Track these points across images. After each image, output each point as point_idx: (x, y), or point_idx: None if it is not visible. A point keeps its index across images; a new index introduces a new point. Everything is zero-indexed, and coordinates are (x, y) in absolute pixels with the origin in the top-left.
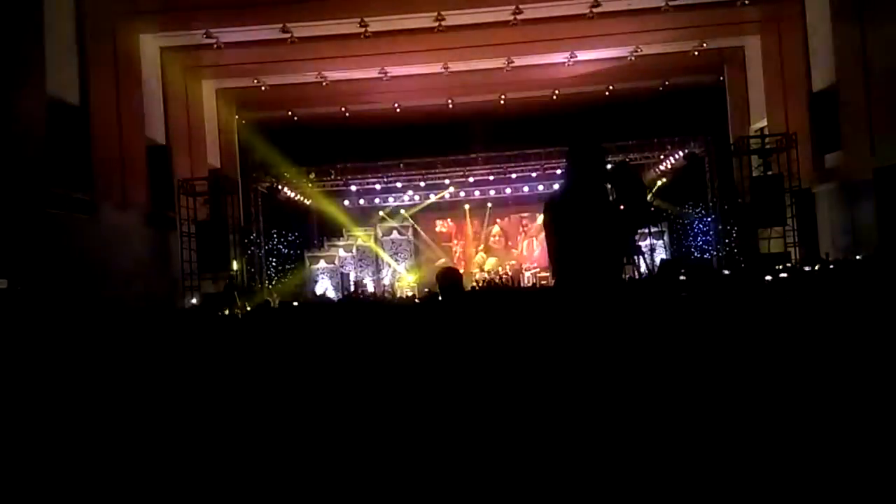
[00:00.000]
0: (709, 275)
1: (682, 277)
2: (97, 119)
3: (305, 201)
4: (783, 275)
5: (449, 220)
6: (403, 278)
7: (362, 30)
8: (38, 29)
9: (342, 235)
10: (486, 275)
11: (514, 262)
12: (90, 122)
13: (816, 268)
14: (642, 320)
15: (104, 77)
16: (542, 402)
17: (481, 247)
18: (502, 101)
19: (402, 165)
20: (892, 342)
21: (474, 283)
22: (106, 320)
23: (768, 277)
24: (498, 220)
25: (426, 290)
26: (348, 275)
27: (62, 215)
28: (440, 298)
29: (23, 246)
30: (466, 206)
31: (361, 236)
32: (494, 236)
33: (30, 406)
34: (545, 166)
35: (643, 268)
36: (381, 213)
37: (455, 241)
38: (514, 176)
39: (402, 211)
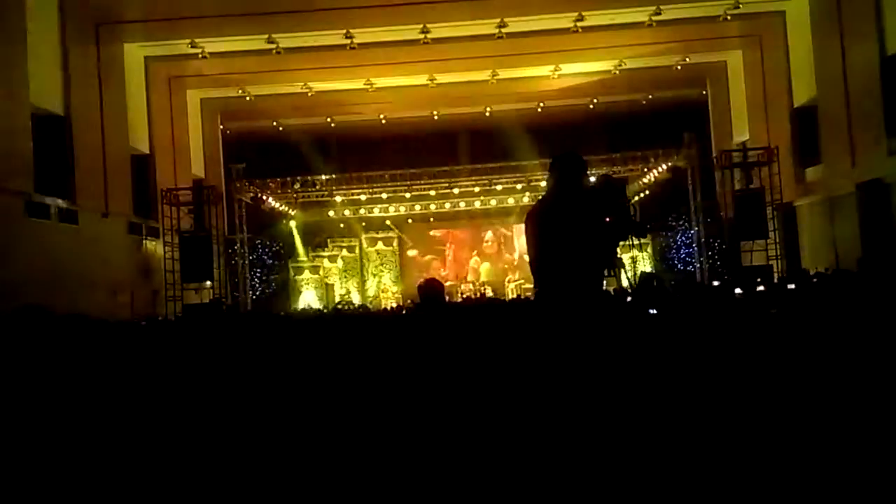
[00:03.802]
0: (693, 288)
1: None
2: (80, 128)
3: (290, 212)
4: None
5: (433, 232)
6: (388, 289)
7: (348, 41)
8: (21, 38)
9: (327, 246)
10: (471, 286)
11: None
12: (73, 131)
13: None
14: (621, 333)
15: (88, 86)
16: (520, 414)
17: (475, 252)
18: (487, 114)
19: (387, 177)
20: (872, 355)
21: (460, 296)
22: (87, 330)
23: (738, 291)
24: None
25: (409, 301)
26: (333, 286)
27: (45, 224)
28: (419, 310)
29: (6, 256)
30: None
31: (346, 247)
32: (487, 242)
33: (8, 418)
34: (530, 178)
35: (624, 281)
36: (364, 223)
37: (448, 246)
38: (498, 188)
39: (388, 222)
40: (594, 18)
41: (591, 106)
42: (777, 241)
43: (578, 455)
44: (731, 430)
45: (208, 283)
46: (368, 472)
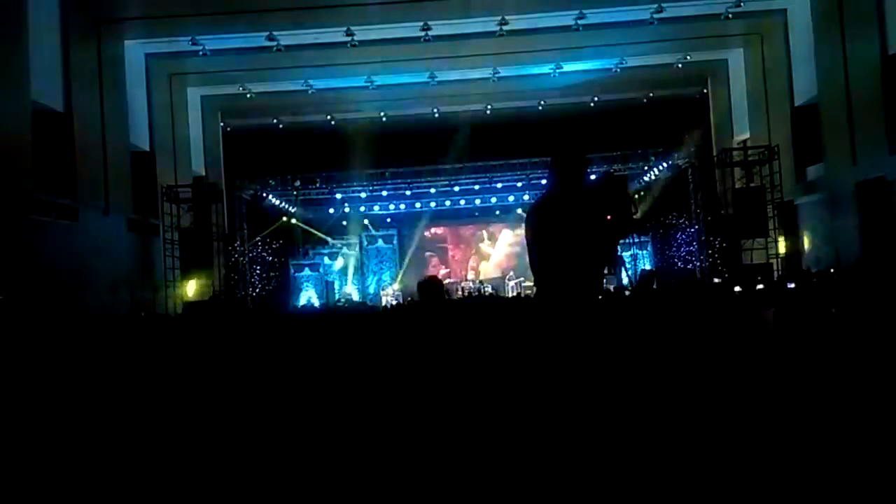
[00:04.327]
0: (694, 287)
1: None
2: (81, 125)
3: (290, 209)
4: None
5: (434, 229)
6: (388, 287)
7: (348, 38)
8: (22, 35)
9: (327, 243)
10: (471, 284)
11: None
12: (74, 128)
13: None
14: (620, 332)
15: (88, 83)
16: (518, 412)
17: (475, 250)
18: (488, 111)
19: (387, 174)
20: (872, 352)
21: (460, 294)
22: (88, 327)
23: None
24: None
25: (409, 298)
26: (333, 283)
27: (45, 221)
28: (417, 307)
29: (6, 253)
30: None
31: (346, 244)
32: (487, 240)
33: (14, 414)
34: (530, 176)
35: (624, 279)
36: (366, 220)
37: (449, 244)
38: (499, 185)
39: (388, 220)
40: (595, 16)
41: (592, 104)
42: (777, 239)
43: (575, 453)
44: (730, 428)
45: (208, 279)
46: (365, 467)
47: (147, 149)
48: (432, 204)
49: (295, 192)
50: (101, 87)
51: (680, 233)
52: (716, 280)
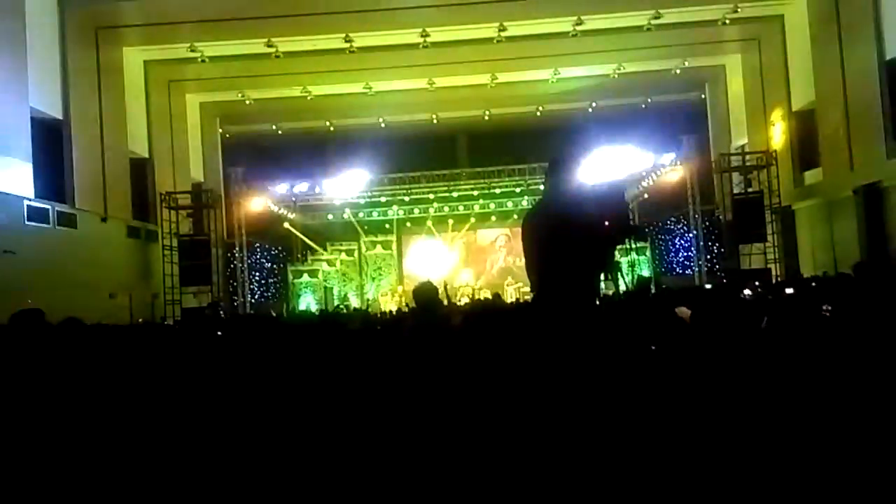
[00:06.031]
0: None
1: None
2: (79, 132)
3: (289, 215)
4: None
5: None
6: (387, 292)
7: (347, 45)
8: (21, 42)
9: (326, 249)
10: (470, 289)
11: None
12: (72, 134)
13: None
14: (618, 339)
15: (87, 90)
16: (514, 421)
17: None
18: (487, 117)
19: (385, 180)
20: (869, 360)
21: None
22: (87, 334)
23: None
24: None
25: (407, 305)
26: (332, 289)
27: (44, 228)
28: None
29: (5, 260)
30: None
31: (345, 250)
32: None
33: (11, 423)
34: (529, 181)
35: (622, 285)
36: (365, 227)
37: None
38: (497, 191)
39: (387, 225)
40: (593, 22)
41: (591, 109)
42: (775, 244)
43: (575, 465)
44: (730, 437)
45: (207, 286)
46: (365, 479)
47: (146, 155)
48: (431, 209)
49: (294, 199)
50: (100, 94)
51: (678, 238)
52: (707, 286)
